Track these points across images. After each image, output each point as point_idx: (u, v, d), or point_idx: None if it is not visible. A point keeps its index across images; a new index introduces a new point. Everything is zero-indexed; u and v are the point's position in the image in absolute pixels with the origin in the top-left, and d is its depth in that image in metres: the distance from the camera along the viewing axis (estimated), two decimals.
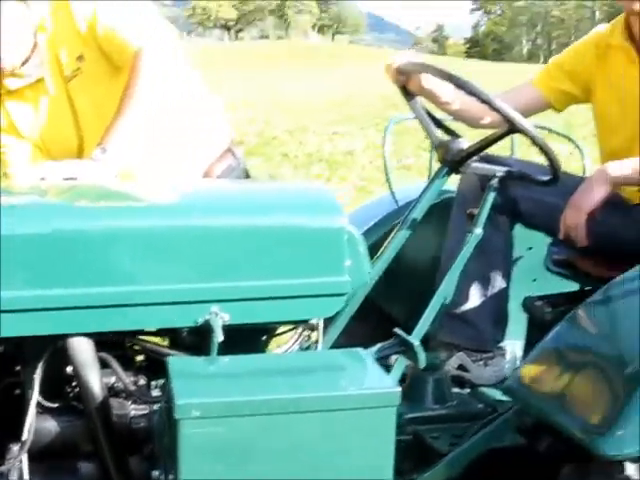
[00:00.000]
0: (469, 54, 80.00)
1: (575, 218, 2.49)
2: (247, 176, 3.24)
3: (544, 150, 2.21)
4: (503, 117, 2.18)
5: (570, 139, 3.59)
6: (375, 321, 2.75)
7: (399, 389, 1.71)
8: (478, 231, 2.33)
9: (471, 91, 2.19)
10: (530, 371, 2.03)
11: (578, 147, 3.47)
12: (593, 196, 2.46)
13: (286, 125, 14.08)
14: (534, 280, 3.14)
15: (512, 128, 2.19)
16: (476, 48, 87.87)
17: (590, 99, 2.84)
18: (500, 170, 2.37)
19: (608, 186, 2.46)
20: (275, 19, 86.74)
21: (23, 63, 2.63)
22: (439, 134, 2.44)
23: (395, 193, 3.14)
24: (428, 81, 2.52)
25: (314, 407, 1.67)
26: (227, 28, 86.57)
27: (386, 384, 1.75)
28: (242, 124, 14.00)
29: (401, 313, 2.90)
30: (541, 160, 2.39)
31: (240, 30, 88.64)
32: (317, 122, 14.51)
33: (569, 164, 3.59)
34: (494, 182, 2.35)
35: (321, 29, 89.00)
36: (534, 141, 2.19)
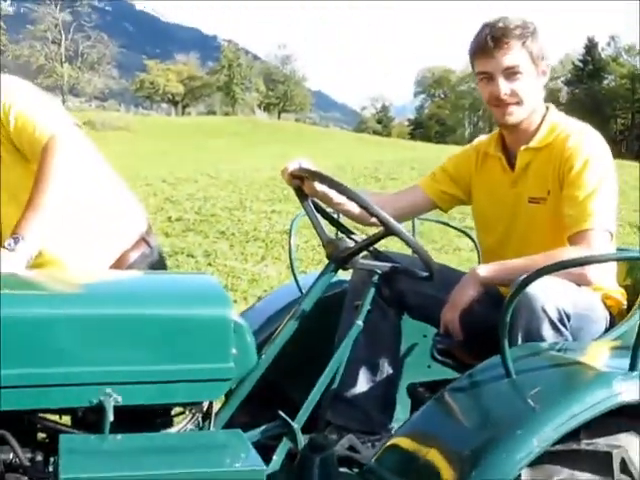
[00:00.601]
0: (413, 135, 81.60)
1: (451, 314, 2.74)
2: (163, 262, 3.42)
3: (415, 250, 2.45)
4: (379, 221, 2.42)
5: (466, 233, 3.86)
6: (278, 402, 2.92)
7: (264, 468, 1.90)
8: (359, 323, 2.56)
9: (351, 197, 2.41)
10: (390, 451, 2.18)
11: (473, 240, 3.70)
12: (466, 295, 2.71)
13: (225, 202, 14.26)
14: (429, 367, 3.31)
15: (387, 231, 2.43)
16: (420, 130, 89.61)
17: (470, 201, 3.12)
18: (382, 266, 2.60)
19: (478, 286, 2.71)
20: (222, 95, 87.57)
21: None
22: (329, 231, 2.66)
23: (306, 278, 3.32)
24: (321, 184, 2.75)
25: None
26: (174, 103, 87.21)
27: (253, 463, 1.93)
28: (182, 200, 14.17)
29: (301, 396, 3.08)
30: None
31: (187, 105, 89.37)
32: (256, 200, 14.72)
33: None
34: (375, 278, 2.58)
35: (267, 107, 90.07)
36: (407, 244, 2.44)
